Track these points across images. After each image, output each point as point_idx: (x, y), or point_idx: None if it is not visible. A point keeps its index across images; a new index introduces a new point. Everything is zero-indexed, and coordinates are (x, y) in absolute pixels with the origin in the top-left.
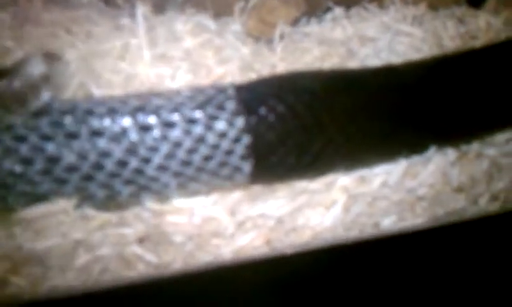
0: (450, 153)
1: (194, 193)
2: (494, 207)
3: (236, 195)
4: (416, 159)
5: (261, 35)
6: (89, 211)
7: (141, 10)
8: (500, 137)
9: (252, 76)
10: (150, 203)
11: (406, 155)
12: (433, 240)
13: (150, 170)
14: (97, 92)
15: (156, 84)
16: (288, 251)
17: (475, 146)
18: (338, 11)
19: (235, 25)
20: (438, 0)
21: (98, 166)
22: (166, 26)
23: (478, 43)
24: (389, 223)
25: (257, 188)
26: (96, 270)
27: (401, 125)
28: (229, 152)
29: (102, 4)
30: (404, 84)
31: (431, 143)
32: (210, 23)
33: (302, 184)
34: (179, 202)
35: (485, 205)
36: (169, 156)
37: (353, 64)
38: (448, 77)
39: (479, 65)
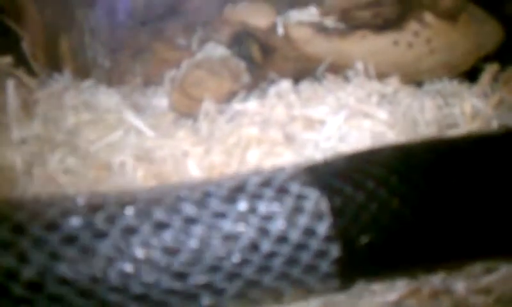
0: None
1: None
2: None
3: None
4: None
5: (186, 111)
6: None
7: (13, 82)
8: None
9: (151, 169)
10: None
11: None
12: None
13: None
14: None
15: (25, 174)
16: None
17: (435, 277)
18: (286, 84)
19: (161, 99)
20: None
21: None
22: (52, 100)
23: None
24: None
25: None
26: None
27: None
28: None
29: None
30: None
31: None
32: (111, 97)
33: None
34: None
35: None
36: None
37: (287, 155)
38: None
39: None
